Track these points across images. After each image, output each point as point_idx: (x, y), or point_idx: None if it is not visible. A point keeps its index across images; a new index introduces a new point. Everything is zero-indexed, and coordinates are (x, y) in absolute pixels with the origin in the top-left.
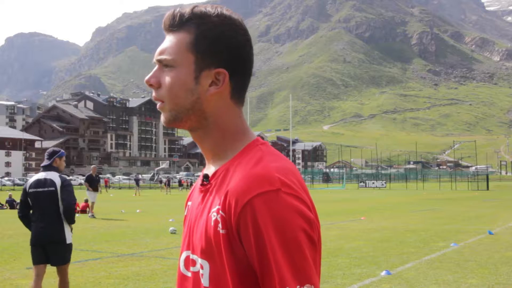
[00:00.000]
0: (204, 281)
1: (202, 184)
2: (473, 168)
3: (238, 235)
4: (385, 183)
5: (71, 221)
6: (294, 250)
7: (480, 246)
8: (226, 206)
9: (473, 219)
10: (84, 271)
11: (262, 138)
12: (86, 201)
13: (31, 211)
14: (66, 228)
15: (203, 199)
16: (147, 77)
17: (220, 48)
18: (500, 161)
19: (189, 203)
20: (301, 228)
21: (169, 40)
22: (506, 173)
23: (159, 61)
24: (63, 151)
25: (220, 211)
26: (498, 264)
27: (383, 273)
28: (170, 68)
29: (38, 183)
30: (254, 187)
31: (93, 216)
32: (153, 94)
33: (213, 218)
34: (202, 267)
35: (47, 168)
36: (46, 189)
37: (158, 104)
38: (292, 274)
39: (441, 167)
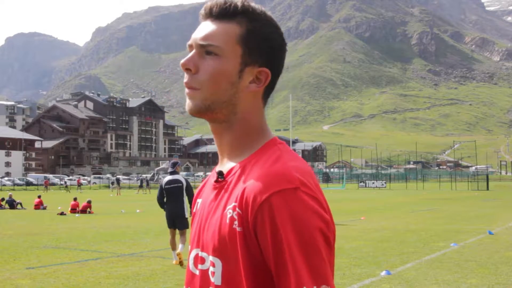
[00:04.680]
0: (216, 279)
1: (216, 181)
2: (473, 168)
3: (255, 232)
4: (385, 183)
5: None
6: (311, 250)
7: (480, 246)
8: (243, 203)
9: (473, 219)
10: (84, 271)
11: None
12: (89, 202)
13: (164, 199)
14: (186, 208)
15: (217, 195)
16: (184, 60)
17: (267, 47)
18: (500, 161)
19: (199, 200)
20: (318, 228)
21: (215, 28)
22: (506, 173)
23: (202, 46)
24: (179, 161)
25: (237, 208)
26: (498, 264)
27: (383, 273)
28: (215, 56)
29: (170, 182)
30: (273, 185)
31: None
32: (186, 79)
33: (229, 215)
34: (213, 265)
35: (173, 173)
36: (176, 185)
37: (190, 91)
38: (309, 274)
39: (441, 167)
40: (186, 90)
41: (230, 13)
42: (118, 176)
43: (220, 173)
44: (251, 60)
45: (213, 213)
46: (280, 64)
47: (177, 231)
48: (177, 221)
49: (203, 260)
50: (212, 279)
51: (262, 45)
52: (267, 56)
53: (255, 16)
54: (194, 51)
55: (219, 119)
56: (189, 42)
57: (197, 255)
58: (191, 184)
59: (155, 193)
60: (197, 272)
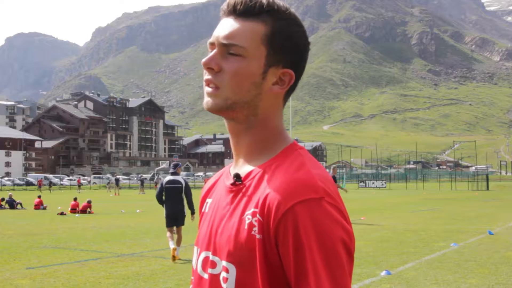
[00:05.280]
0: (229, 285)
1: (233, 184)
2: (473, 168)
3: (276, 241)
4: (385, 183)
5: (192, 206)
6: (334, 261)
7: (480, 246)
8: (265, 210)
9: (473, 219)
10: (84, 271)
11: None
12: (89, 202)
13: (163, 197)
14: (184, 207)
15: (233, 199)
16: (205, 59)
17: (291, 47)
18: (500, 161)
19: (209, 200)
20: (341, 240)
21: (239, 26)
22: (506, 173)
23: (225, 45)
24: (180, 163)
25: (257, 215)
26: (498, 264)
27: (383, 273)
28: (239, 57)
29: (171, 182)
30: (298, 194)
31: None
32: (208, 77)
33: (248, 221)
34: (227, 271)
35: (173, 174)
36: (176, 185)
37: (211, 90)
38: (329, 285)
39: (441, 167)
40: (206, 88)
41: (255, 11)
42: (117, 176)
43: (237, 176)
44: (275, 60)
45: (229, 217)
46: (303, 65)
47: (175, 229)
48: (176, 219)
49: (214, 264)
50: (223, 285)
51: (287, 45)
52: (291, 56)
53: (280, 15)
54: (216, 49)
55: (239, 119)
56: (211, 40)
57: (207, 258)
58: (189, 185)
59: (149, 193)
60: (206, 276)
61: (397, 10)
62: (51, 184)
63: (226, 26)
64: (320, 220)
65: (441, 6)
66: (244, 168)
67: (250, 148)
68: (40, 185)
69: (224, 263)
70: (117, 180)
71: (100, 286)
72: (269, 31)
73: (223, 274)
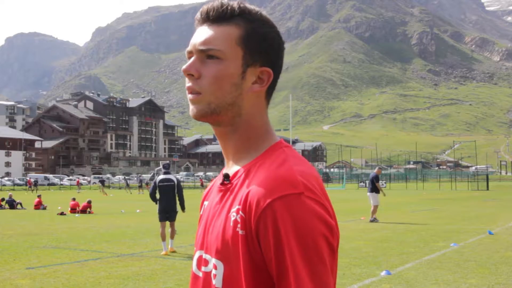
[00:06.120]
0: (217, 282)
1: (222, 183)
2: (473, 168)
3: (257, 237)
4: (385, 183)
5: (183, 204)
6: (313, 256)
7: (480, 246)
8: (247, 206)
9: (473, 219)
10: (84, 271)
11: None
12: (89, 202)
13: (157, 195)
14: (176, 204)
15: (222, 198)
16: (185, 66)
17: (267, 47)
18: (500, 161)
19: (206, 202)
20: (321, 234)
21: (213, 31)
22: (506, 173)
23: (202, 51)
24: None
25: (240, 212)
26: (498, 264)
27: (383, 273)
28: (217, 60)
29: (164, 180)
30: (277, 189)
31: (375, 220)
32: (189, 84)
33: (233, 218)
34: (216, 268)
35: (166, 173)
36: (169, 183)
37: (193, 96)
38: (309, 280)
39: (441, 167)
40: (189, 96)
41: (227, 16)
42: (102, 178)
43: (226, 176)
44: (252, 60)
45: (218, 215)
46: (280, 63)
47: (168, 224)
48: (169, 214)
49: (206, 262)
50: (213, 282)
51: (262, 45)
52: (267, 55)
53: (252, 17)
54: (194, 56)
55: (224, 122)
56: (189, 49)
57: (200, 257)
58: (189, 185)
59: (145, 193)
60: (200, 274)
61: (397, 10)
62: (36, 183)
63: (202, 33)
64: (299, 216)
65: (441, 6)
66: (233, 168)
67: (237, 149)
68: (30, 184)
69: (214, 260)
70: (102, 182)
71: (100, 286)
72: (243, 32)
73: (213, 271)
